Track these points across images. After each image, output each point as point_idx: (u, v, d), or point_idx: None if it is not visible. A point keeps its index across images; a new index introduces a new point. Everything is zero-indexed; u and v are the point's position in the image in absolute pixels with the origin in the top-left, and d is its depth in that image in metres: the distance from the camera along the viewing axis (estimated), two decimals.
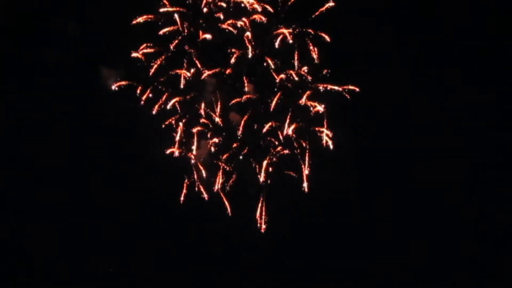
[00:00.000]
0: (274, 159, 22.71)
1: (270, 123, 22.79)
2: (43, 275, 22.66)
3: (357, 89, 22.61)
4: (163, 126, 22.97)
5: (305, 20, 22.80)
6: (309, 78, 22.86)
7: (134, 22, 22.82)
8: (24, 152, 23.34)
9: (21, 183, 23.15)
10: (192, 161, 22.84)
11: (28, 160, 23.29)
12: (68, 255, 22.85)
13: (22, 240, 22.79)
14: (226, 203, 22.59)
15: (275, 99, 22.87)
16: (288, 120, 22.71)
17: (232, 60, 23.02)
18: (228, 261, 22.79)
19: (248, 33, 22.97)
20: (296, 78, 22.88)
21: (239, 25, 22.98)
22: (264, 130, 22.83)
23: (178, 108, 23.09)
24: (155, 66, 23.00)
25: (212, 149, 23.03)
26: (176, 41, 23.09)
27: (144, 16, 22.88)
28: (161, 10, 22.99)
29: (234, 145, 22.90)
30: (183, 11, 23.08)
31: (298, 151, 22.64)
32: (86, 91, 23.56)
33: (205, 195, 22.67)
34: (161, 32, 23.02)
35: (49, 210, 23.00)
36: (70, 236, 22.94)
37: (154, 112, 22.97)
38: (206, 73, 23.07)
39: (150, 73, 23.01)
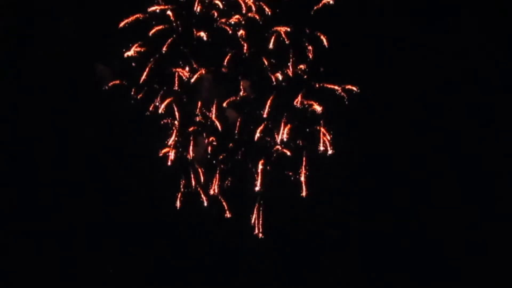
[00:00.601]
0: (271, 159, 22.46)
1: (264, 124, 22.57)
2: (42, 276, 22.41)
3: (355, 89, 22.38)
4: (161, 123, 22.84)
5: (302, 18, 22.66)
6: (305, 76, 22.67)
7: (126, 21, 22.70)
8: (18, 151, 23.18)
9: (16, 183, 22.95)
10: (189, 158, 22.64)
11: (21, 159, 23.13)
12: (66, 256, 22.69)
13: (21, 241, 22.53)
14: (225, 206, 22.35)
15: (270, 99, 22.62)
16: (284, 120, 22.49)
17: (227, 59, 22.84)
18: (224, 264, 22.51)
19: (243, 32, 22.81)
20: (291, 76, 22.75)
21: (233, 23, 22.92)
22: (259, 130, 22.58)
23: (175, 108, 22.85)
24: (150, 64, 22.84)
25: (209, 149, 22.76)
26: (170, 40, 22.93)
27: (137, 15, 22.79)
28: (152, 8, 22.88)
29: (230, 145, 22.69)
30: (177, 10, 22.95)
31: (291, 153, 22.42)
32: (80, 90, 23.42)
33: (204, 200, 22.41)
34: (153, 31, 22.87)
35: (44, 211, 22.80)
36: (66, 237, 22.75)
37: (148, 112, 22.82)
38: (202, 72, 22.86)
39: (145, 73, 22.82)
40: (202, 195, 22.41)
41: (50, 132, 23.31)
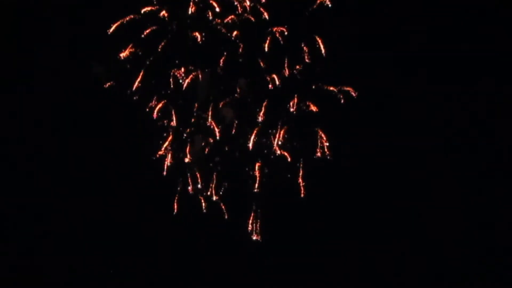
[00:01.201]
0: (269, 161, 22.29)
1: (260, 126, 22.35)
2: (41, 277, 22.40)
3: (351, 90, 22.13)
4: (157, 125, 22.61)
5: (298, 19, 22.38)
6: (299, 78, 22.44)
7: (120, 21, 22.46)
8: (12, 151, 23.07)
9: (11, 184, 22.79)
10: (186, 160, 22.44)
11: (17, 160, 23.02)
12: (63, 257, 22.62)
13: (19, 241, 22.51)
14: (222, 208, 22.24)
15: (266, 101, 22.41)
16: (280, 122, 22.29)
17: (223, 60, 22.56)
18: (223, 266, 22.48)
19: (240, 32, 22.52)
20: (287, 77, 22.47)
21: (228, 23, 22.64)
22: (255, 132, 22.35)
23: (172, 110, 22.62)
24: (146, 65, 22.59)
25: (206, 150, 22.59)
26: (165, 41, 22.66)
27: (130, 16, 22.52)
28: (146, 9, 22.58)
29: (226, 148, 22.54)
30: (171, 10, 22.66)
31: (289, 155, 22.22)
32: (76, 91, 23.20)
33: (202, 202, 22.28)
34: (148, 31, 22.60)
35: (40, 212, 22.74)
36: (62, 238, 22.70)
37: (144, 114, 22.61)
38: (197, 72, 22.60)
39: (140, 74, 22.57)
40: (200, 198, 22.31)
41: (46, 133, 23.13)
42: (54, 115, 23.22)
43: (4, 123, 23.18)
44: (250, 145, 22.16)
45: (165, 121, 22.57)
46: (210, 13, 22.60)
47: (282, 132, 22.23)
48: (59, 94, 23.23)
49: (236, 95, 22.48)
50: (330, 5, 22.27)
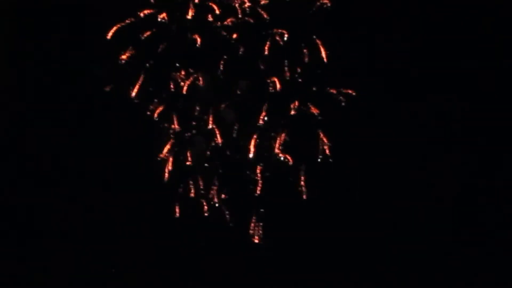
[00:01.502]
0: (270, 164, 22.24)
1: (261, 128, 22.28)
2: (41, 277, 22.30)
3: (352, 92, 22.05)
4: (157, 129, 22.52)
5: (298, 21, 22.28)
6: (300, 80, 22.34)
7: (119, 25, 22.35)
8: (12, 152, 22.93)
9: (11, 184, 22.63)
10: (187, 163, 22.39)
11: (15, 161, 22.89)
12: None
13: (19, 241, 22.43)
14: (224, 212, 22.22)
15: (267, 103, 22.31)
16: (281, 125, 22.24)
17: (223, 62, 22.42)
18: (223, 270, 22.45)
19: (239, 35, 22.41)
20: (288, 79, 22.36)
21: (228, 26, 22.52)
22: (256, 135, 22.28)
23: (172, 113, 22.52)
24: (146, 68, 22.47)
25: (206, 154, 22.53)
26: (165, 43, 22.54)
27: (131, 18, 22.41)
28: (144, 12, 22.45)
29: (228, 152, 22.48)
30: (170, 12, 22.54)
31: (290, 158, 22.17)
32: (74, 93, 23.05)
33: (204, 206, 22.25)
34: (147, 34, 22.47)
35: (38, 215, 22.65)
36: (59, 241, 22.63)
37: (145, 117, 22.47)
38: (197, 76, 22.52)
39: (140, 77, 22.46)
40: (201, 201, 22.27)
41: (46, 135, 22.94)
42: (53, 117, 23.10)
43: (4, 124, 23.15)
44: (251, 148, 22.20)
45: (165, 124, 22.53)
46: (209, 16, 22.57)
47: (283, 135, 22.23)
48: (58, 96, 23.17)
49: (236, 97, 22.44)
50: (329, 6, 22.24)
